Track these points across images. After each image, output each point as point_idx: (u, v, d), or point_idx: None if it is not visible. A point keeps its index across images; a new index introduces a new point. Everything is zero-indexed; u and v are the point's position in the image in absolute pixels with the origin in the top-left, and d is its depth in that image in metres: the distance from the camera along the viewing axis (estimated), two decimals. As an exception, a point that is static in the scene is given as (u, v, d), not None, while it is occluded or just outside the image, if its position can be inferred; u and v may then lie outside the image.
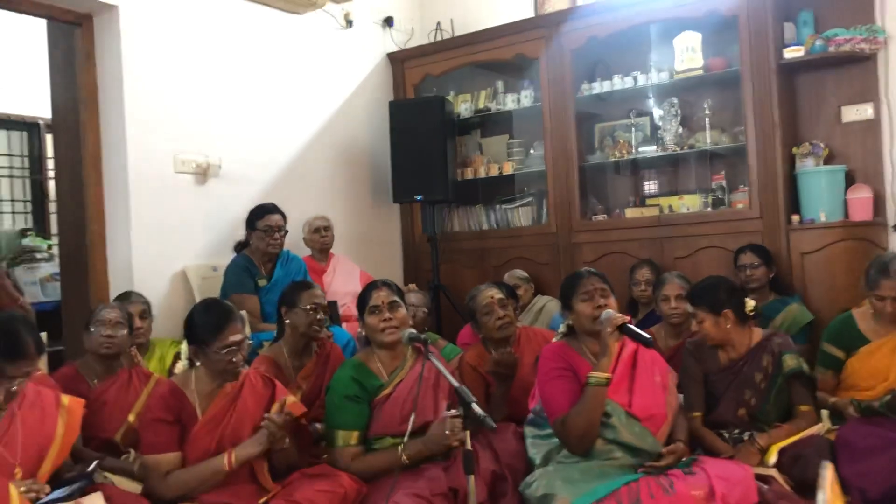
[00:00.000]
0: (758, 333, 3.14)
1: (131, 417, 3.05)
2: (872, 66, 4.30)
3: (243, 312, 3.69)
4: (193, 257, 4.21)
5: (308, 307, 3.30)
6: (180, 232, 4.16)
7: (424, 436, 2.76)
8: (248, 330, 3.73)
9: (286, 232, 4.07)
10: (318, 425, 3.16)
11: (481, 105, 5.44)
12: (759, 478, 2.66)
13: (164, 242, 4.07)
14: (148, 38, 4.06)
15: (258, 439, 2.60)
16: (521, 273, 4.85)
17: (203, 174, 4.28)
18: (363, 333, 3.09)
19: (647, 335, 2.64)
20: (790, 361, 3.01)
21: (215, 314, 2.67)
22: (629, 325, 2.65)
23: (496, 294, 3.48)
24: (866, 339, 3.22)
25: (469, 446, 2.24)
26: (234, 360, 2.61)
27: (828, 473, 0.79)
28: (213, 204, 4.33)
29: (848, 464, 2.69)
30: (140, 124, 3.99)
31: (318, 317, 3.31)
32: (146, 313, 3.60)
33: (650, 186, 5.04)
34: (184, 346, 2.78)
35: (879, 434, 2.70)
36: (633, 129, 4.93)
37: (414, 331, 2.76)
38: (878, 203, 4.26)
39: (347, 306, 4.41)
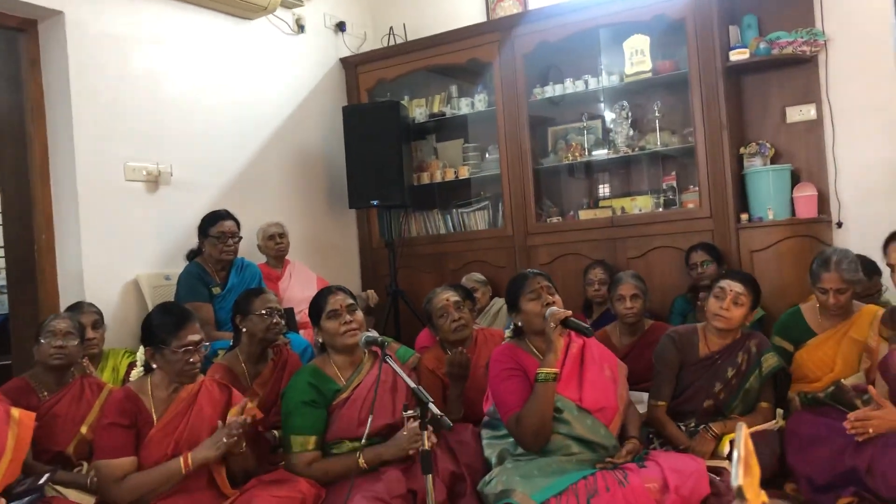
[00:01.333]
0: (738, 331, 3.20)
1: (84, 429, 3.00)
2: (814, 68, 4.43)
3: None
4: (146, 266, 4.15)
5: (262, 312, 3.29)
6: (132, 240, 4.10)
7: (385, 442, 2.77)
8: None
9: (240, 238, 4.04)
10: (276, 432, 3.15)
11: (436, 109, 5.46)
12: (712, 470, 2.73)
13: (115, 251, 4.01)
14: (95, 43, 4.00)
15: (215, 442, 2.58)
16: (478, 276, 4.89)
17: (154, 181, 4.22)
18: (320, 340, 3.09)
19: (587, 326, 2.70)
20: (771, 360, 3.11)
21: (174, 315, 2.67)
22: (571, 319, 2.70)
23: (451, 297, 3.51)
24: (813, 332, 3.33)
25: (427, 446, 2.25)
26: (191, 360, 2.61)
27: (742, 434, 0.82)
28: (165, 211, 4.27)
29: (795, 453, 2.77)
30: (89, 132, 3.92)
31: (274, 321, 3.31)
32: (98, 323, 3.54)
33: (603, 188, 5.11)
34: (140, 352, 2.75)
35: (825, 424, 2.78)
36: (586, 132, 5.00)
37: (370, 334, 2.77)
38: (823, 200, 4.38)
39: (304, 313, 4.37)
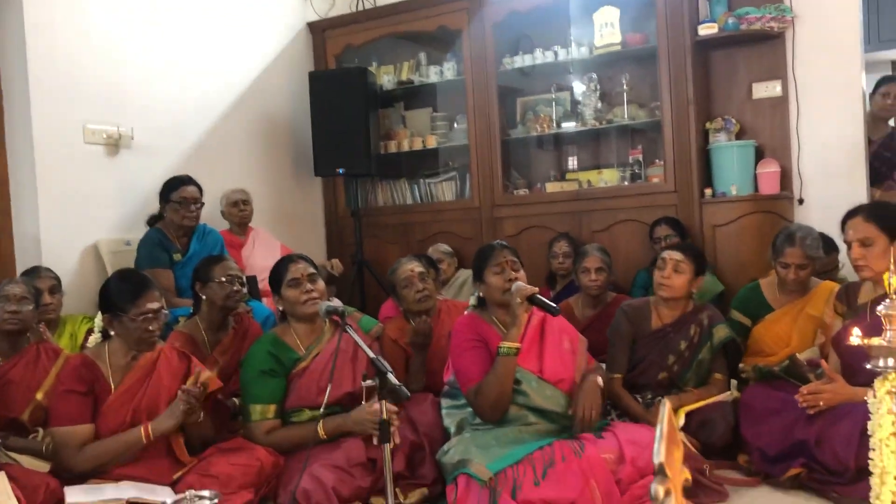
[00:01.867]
0: (690, 304, 3.26)
1: (39, 395, 2.94)
2: (781, 45, 4.44)
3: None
4: (105, 231, 4.08)
5: (223, 279, 3.25)
6: (91, 205, 4.02)
7: (346, 413, 2.77)
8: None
9: (202, 205, 3.98)
10: (236, 400, 3.13)
11: (404, 77, 5.40)
12: (668, 441, 2.77)
13: (74, 216, 3.93)
14: (53, 3, 3.88)
15: (173, 412, 2.56)
16: (444, 247, 4.88)
17: (115, 145, 4.14)
18: (280, 308, 3.07)
19: (554, 305, 2.70)
20: (722, 332, 3.18)
21: (132, 282, 2.64)
22: (538, 296, 2.71)
23: (416, 267, 3.51)
24: (771, 307, 3.39)
25: (386, 417, 2.25)
26: (150, 328, 2.58)
27: (666, 407, 0.83)
28: (126, 176, 4.19)
29: (749, 425, 2.83)
30: (46, 93, 3.82)
31: (235, 288, 3.28)
32: (56, 288, 3.48)
33: (570, 161, 5.11)
34: (98, 319, 2.72)
35: (778, 397, 2.84)
36: (554, 104, 4.99)
37: (330, 303, 2.76)
38: (785, 177, 4.42)
39: (267, 282, 4.34)
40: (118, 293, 2.60)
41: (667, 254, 3.23)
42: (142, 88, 4.30)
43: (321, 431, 2.73)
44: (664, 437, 0.73)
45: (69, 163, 3.92)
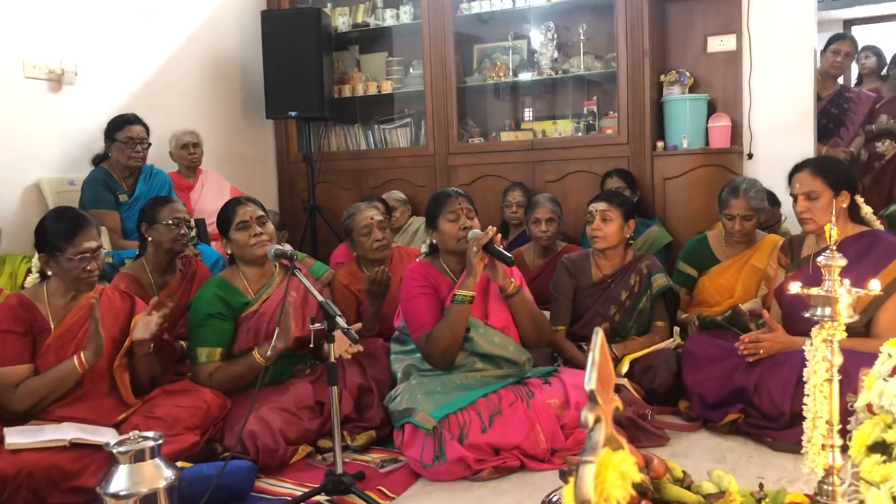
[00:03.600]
0: (629, 254, 3.31)
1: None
2: (737, -1, 4.46)
3: (103, 229, 3.55)
4: (48, 170, 3.95)
5: (169, 222, 3.19)
6: (33, 143, 3.87)
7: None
8: (107, 245, 3.59)
9: (149, 145, 3.87)
10: (183, 343, 3.10)
11: (359, 19, 5.28)
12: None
13: (14, 153, 3.79)
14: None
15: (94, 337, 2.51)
16: (398, 194, 4.85)
17: (57, 80, 3.98)
18: (229, 252, 3.03)
19: (509, 255, 2.70)
20: (660, 280, 3.23)
21: (68, 220, 2.55)
22: (493, 245, 2.70)
23: (376, 215, 3.48)
24: (717, 259, 3.46)
25: (333, 359, 2.25)
26: (88, 268, 2.52)
27: (599, 337, 0.84)
28: (70, 113, 4.04)
29: (690, 372, 2.90)
30: (-18, 23, 3.65)
31: (181, 231, 3.21)
32: (-6, 228, 3.38)
33: (526, 111, 5.09)
34: (35, 259, 2.64)
35: (719, 345, 2.91)
36: (511, 52, 4.94)
37: (279, 247, 2.72)
38: (736, 132, 4.47)
39: (216, 225, 4.28)
40: (54, 232, 2.53)
41: (592, 206, 3.29)
42: (86, 24, 4.13)
43: (258, 357, 2.72)
44: (595, 365, 0.73)
45: (8, 97, 3.76)
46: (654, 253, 3.90)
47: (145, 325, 2.59)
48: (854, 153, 4.90)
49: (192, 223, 3.35)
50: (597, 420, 0.72)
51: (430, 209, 2.91)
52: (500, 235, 2.71)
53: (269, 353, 2.65)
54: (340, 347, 2.58)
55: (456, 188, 3.01)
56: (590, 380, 0.73)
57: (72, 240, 2.49)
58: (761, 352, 2.70)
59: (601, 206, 3.25)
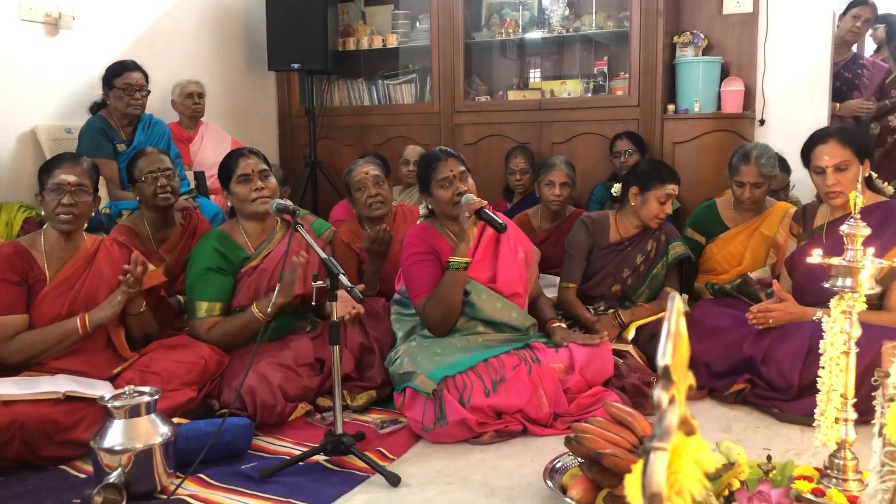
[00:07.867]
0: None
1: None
2: (756, -42, 4.32)
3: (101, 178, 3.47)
4: (44, 117, 3.86)
5: (146, 177, 3.11)
6: (29, 88, 3.77)
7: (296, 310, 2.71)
8: (105, 195, 3.52)
9: (148, 92, 3.77)
10: (181, 297, 3.05)
11: (365, -30, 5.14)
12: (617, 353, 2.80)
13: (9, 99, 3.69)
14: None
15: (111, 302, 2.48)
16: (420, 149, 4.62)
17: (54, 24, 3.87)
18: (229, 204, 2.96)
19: (501, 221, 2.64)
20: (678, 248, 3.18)
21: (57, 157, 2.55)
22: (485, 210, 2.63)
23: (372, 171, 3.39)
24: (725, 226, 3.40)
25: (336, 318, 2.20)
26: (63, 201, 2.45)
27: (676, 303, 0.77)
28: (67, 58, 3.94)
29: (697, 340, 2.84)
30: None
31: (160, 184, 3.12)
32: (-12, 175, 3.30)
33: (534, 70, 4.97)
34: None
35: (728, 314, 2.86)
36: (521, 8, 4.81)
37: (282, 201, 2.64)
38: (749, 96, 4.37)
39: (216, 177, 4.19)
40: (43, 167, 2.53)
41: (672, 188, 3.07)
42: (83, -36, 4.01)
43: (256, 312, 2.67)
44: (671, 337, 0.64)
45: (3, 41, 3.65)
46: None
47: (109, 302, 2.51)
48: (873, 109, 4.77)
49: (173, 172, 3.24)
50: (671, 401, 0.64)
51: (421, 173, 2.81)
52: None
53: (269, 308, 2.60)
54: (344, 308, 2.53)
55: (445, 147, 2.88)
56: (664, 354, 0.65)
57: (51, 171, 2.46)
58: (771, 322, 2.65)
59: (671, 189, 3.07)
